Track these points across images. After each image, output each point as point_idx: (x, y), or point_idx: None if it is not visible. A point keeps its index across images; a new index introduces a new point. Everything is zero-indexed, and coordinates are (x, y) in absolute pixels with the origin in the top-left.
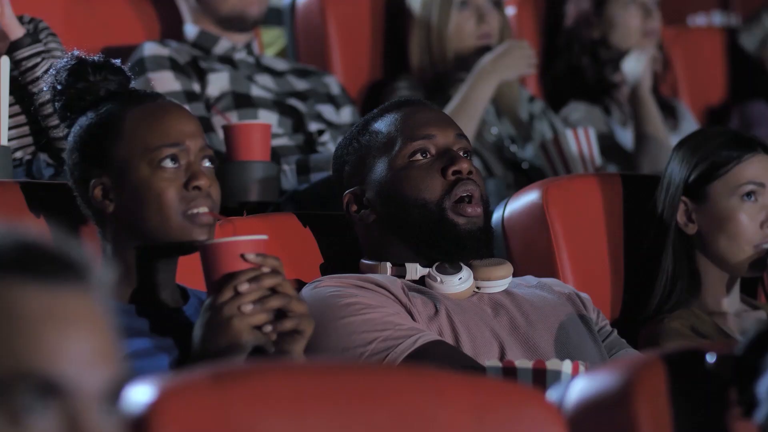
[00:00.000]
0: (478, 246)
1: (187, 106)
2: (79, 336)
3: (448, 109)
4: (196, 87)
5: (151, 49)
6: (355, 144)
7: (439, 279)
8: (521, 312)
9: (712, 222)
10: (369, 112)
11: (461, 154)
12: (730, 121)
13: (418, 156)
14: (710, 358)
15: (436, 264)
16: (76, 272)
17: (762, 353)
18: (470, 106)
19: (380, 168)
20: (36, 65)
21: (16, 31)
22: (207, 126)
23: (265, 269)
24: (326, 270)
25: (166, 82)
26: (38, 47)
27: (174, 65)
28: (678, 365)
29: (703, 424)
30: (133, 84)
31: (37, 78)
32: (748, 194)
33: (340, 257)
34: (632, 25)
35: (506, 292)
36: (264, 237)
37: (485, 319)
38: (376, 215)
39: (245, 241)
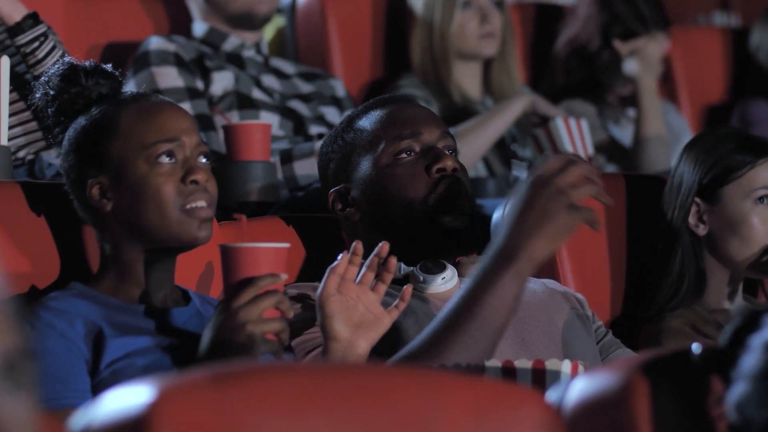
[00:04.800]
0: (463, 244)
1: (189, 103)
2: None
3: (476, 120)
4: (199, 84)
5: (157, 43)
6: (340, 141)
7: (421, 279)
8: None
9: (724, 224)
10: (353, 110)
11: (446, 151)
12: (731, 120)
13: (403, 154)
14: (696, 349)
15: (420, 263)
16: None
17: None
18: (500, 119)
19: (365, 166)
20: (37, 48)
21: (14, 15)
22: (209, 124)
23: (285, 276)
24: (312, 273)
25: (169, 77)
26: (40, 29)
27: (179, 61)
28: (677, 365)
29: (702, 424)
30: (138, 77)
31: (39, 61)
32: (761, 198)
33: (327, 259)
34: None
35: None
36: (286, 245)
37: None
38: (361, 214)
39: (267, 248)
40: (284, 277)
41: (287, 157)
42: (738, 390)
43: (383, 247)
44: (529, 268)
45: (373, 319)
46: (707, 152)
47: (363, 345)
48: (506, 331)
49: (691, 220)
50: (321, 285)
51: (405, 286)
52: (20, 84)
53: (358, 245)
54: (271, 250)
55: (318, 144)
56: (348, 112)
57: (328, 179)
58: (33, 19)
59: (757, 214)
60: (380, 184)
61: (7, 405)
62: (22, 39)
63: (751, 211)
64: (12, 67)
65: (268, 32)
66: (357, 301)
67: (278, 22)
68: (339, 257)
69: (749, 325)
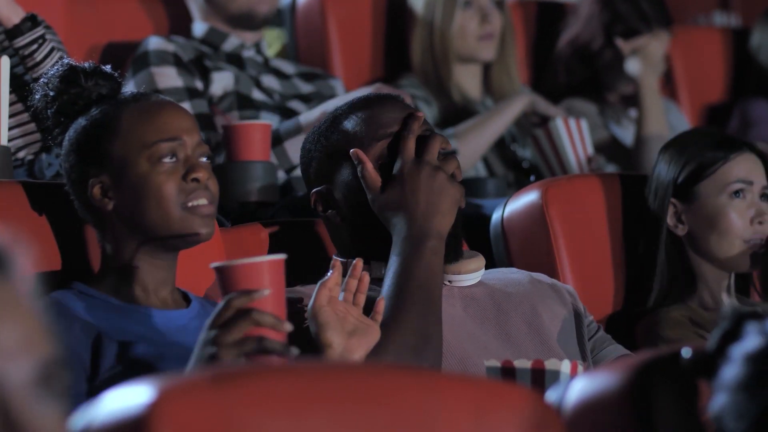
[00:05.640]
0: (447, 251)
1: (188, 103)
2: (1, 327)
3: (476, 120)
4: (198, 84)
5: (156, 43)
6: (323, 140)
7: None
8: (493, 301)
9: (702, 221)
10: (338, 107)
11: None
12: (731, 121)
13: (385, 159)
14: (685, 353)
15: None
16: None
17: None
18: (500, 119)
19: (347, 170)
20: (36, 50)
21: (13, 18)
22: (209, 124)
23: (265, 291)
24: (307, 277)
25: (168, 77)
26: (38, 31)
27: (178, 61)
28: (676, 365)
29: (701, 425)
30: (137, 77)
31: (38, 63)
32: (737, 192)
33: (320, 262)
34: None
35: (479, 282)
36: (282, 256)
37: (445, 319)
38: (342, 217)
39: (255, 264)
40: (265, 293)
41: (276, 139)
42: (718, 400)
43: (357, 265)
44: (441, 243)
45: (365, 327)
46: (680, 152)
47: (359, 352)
48: (491, 325)
49: (670, 221)
50: (312, 297)
51: (378, 299)
52: (18, 86)
53: (358, 264)
54: (248, 266)
55: (303, 117)
56: (333, 111)
57: (311, 178)
58: (31, 21)
59: (734, 208)
60: (361, 189)
61: (41, 415)
62: (20, 41)
63: (727, 206)
64: (10, 69)
65: (273, 48)
66: (346, 312)
67: (282, 37)
68: (329, 273)
69: (736, 329)
